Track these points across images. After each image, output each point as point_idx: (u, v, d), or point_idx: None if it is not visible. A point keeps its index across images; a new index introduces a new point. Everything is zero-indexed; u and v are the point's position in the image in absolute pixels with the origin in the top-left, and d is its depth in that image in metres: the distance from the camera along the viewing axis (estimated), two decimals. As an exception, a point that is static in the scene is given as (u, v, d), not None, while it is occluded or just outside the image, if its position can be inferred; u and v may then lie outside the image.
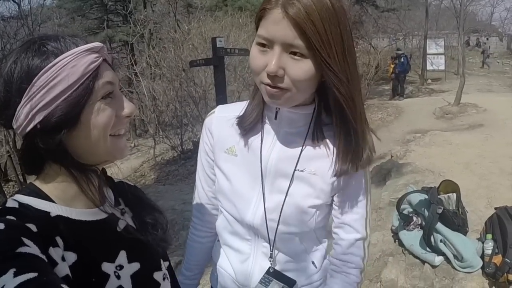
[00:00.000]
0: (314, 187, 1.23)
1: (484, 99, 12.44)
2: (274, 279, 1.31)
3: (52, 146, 0.84)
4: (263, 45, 1.07)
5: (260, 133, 1.27)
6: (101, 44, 0.91)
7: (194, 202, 1.51)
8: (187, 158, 10.79)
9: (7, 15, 18.26)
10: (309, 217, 1.25)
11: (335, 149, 1.21)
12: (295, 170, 1.23)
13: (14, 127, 0.87)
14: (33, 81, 0.82)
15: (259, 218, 1.26)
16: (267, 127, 1.27)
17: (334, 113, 1.15)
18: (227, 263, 1.41)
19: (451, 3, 18.61)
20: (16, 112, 0.84)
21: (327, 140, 1.23)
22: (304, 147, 1.23)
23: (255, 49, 1.09)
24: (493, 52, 30.91)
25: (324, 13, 1.00)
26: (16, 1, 16.84)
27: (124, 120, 0.95)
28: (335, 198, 1.28)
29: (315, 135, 1.23)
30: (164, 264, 1.13)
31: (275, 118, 1.22)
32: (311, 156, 1.23)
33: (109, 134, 0.91)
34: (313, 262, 1.35)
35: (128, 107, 0.94)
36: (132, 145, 14.15)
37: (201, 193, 1.47)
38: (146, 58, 13.58)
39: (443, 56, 20.78)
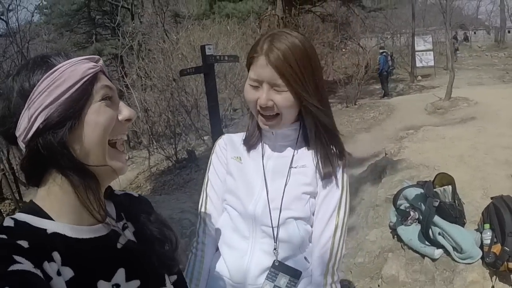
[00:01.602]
0: (306, 176, 1.47)
1: (475, 92, 12.49)
2: (281, 272, 1.41)
3: (54, 143, 0.86)
4: (254, 85, 1.39)
5: (260, 148, 1.55)
6: (98, 57, 0.98)
7: (206, 211, 1.59)
8: (182, 167, 10.74)
9: (-5, 34, 18.21)
10: (305, 202, 1.45)
11: (318, 154, 1.48)
12: (290, 167, 1.48)
13: (17, 134, 0.89)
14: (35, 86, 0.87)
15: (260, 207, 1.44)
16: (265, 143, 1.55)
17: (310, 128, 1.47)
18: (222, 263, 1.49)
19: (436, -1, 18.69)
20: (20, 118, 0.88)
21: (311, 145, 1.49)
22: (295, 151, 1.51)
23: (248, 87, 1.41)
24: (481, 45, 31.13)
25: (298, 55, 1.34)
26: (4, 19, 16.83)
27: (124, 125, 0.97)
28: (318, 189, 1.47)
29: (304, 141, 1.52)
30: (169, 279, 1.11)
31: (273, 134, 1.51)
32: (301, 155, 1.50)
33: (108, 139, 0.93)
34: (305, 258, 1.47)
35: (128, 111, 0.98)
36: (127, 157, 14.10)
37: (216, 201, 1.58)
38: (136, 69, 13.55)
39: (431, 52, 20.87)
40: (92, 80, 0.91)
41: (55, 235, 0.88)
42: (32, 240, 0.82)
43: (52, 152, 0.86)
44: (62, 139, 0.86)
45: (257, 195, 1.47)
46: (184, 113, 11.53)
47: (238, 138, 1.62)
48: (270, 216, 1.42)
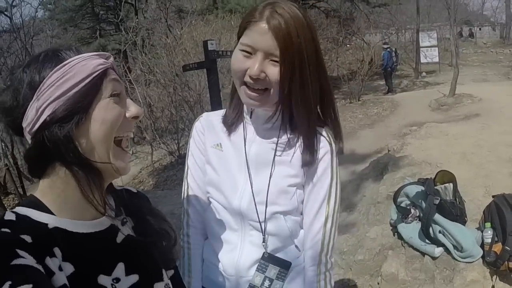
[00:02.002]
0: (292, 167, 1.39)
1: (479, 89, 12.47)
2: (270, 264, 1.41)
3: (60, 136, 0.86)
4: (246, 51, 1.26)
5: (242, 131, 1.45)
6: (109, 54, 0.98)
7: (188, 202, 1.55)
8: (184, 162, 10.76)
9: (-1, 29, 18.28)
10: (291, 195, 1.39)
11: (306, 139, 1.38)
12: (274, 156, 1.40)
13: (24, 125, 0.90)
14: (45, 79, 0.87)
15: (246, 202, 1.40)
16: (247, 125, 1.45)
17: (299, 108, 1.35)
18: (214, 255, 1.48)
19: (442, -5, 18.59)
20: (27, 109, 0.88)
21: (299, 127, 1.39)
22: (279, 138, 1.40)
23: (239, 54, 1.28)
24: (487, 42, 30.97)
25: (300, 29, 1.23)
26: (8, 14, 16.87)
27: (130, 122, 0.98)
28: (306, 177, 1.41)
29: (288, 125, 1.40)
30: (167, 274, 1.12)
31: (250, 116, 1.43)
32: (286, 142, 1.40)
33: (114, 136, 0.93)
34: (296, 246, 1.46)
35: (135, 109, 0.98)
36: (130, 152, 14.11)
37: (197, 191, 1.53)
38: (140, 65, 13.57)
39: (436, 48, 20.83)
40: (102, 76, 0.91)
41: (56, 229, 0.88)
42: (35, 235, 0.82)
43: (57, 145, 0.86)
44: (68, 133, 0.86)
45: (241, 189, 1.41)
46: (187, 108, 11.56)
47: (217, 117, 1.52)
48: (257, 211, 1.39)
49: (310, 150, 1.37)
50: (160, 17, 19.67)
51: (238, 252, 1.43)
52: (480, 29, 34.20)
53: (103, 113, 0.90)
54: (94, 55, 0.93)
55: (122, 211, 1.08)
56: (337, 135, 1.42)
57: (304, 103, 1.32)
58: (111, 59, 0.97)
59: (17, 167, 11.11)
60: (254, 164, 1.42)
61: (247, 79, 1.27)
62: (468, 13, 39.66)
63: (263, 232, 1.40)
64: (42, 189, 0.92)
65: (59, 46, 0.94)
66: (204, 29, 12.84)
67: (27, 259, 0.75)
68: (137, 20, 19.17)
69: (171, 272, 1.18)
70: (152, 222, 1.10)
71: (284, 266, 1.41)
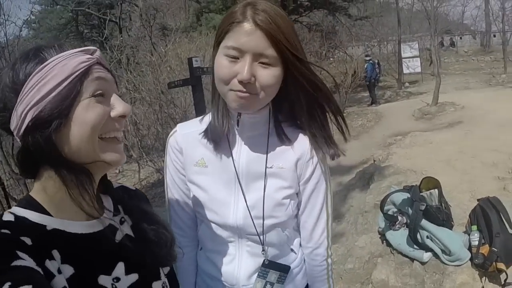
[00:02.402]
0: (285, 179, 1.36)
1: (461, 97, 12.64)
2: (271, 270, 1.41)
3: (41, 142, 0.84)
4: (232, 55, 1.16)
5: (226, 142, 1.36)
6: (95, 48, 0.94)
7: (173, 223, 1.51)
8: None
9: (-17, 49, 18.16)
10: (286, 207, 1.37)
11: (292, 147, 1.35)
12: (266, 167, 1.34)
13: (12, 129, 0.89)
14: (26, 82, 0.85)
15: (241, 218, 1.35)
16: (233, 135, 1.36)
17: (300, 109, 1.31)
18: (213, 267, 1.47)
19: (422, 6, 18.88)
20: (12, 114, 0.87)
21: (288, 136, 1.36)
22: (268, 146, 1.35)
23: (223, 59, 1.18)
24: (468, 50, 31.43)
25: (286, 22, 1.16)
26: (-8, 34, 16.79)
27: (117, 121, 0.94)
28: (301, 186, 1.39)
29: (276, 133, 1.36)
30: (163, 271, 1.12)
31: (238, 125, 1.33)
32: (276, 153, 1.36)
33: (98, 135, 0.89)
34: (292, 250, 1.48)
35: (122, 107, 0.93)
36: (117, 171, 14.01)
37: (180, 211, 1.49)
38: (125, 83, 13.51)
39: (418, 59, 21.05)
40: (83, 75, 0.88)
41: (55, 231, 0.87)
42: (34, 238, 0.81)
43: (41, 150, 0.85)
44: (49, 138, 0.84)
45: (234, 204, 1.36)
46: (173, 126, 11.38)
47: (195, 129, 1.41)
48: (254, 225, 1.35)
49: (304, 158, 1.35)
50: (145, 35, 19.70)
51: (237, 263, 1.43)
52: (461, 38, 34.72)
53: (83, 114, 0.86)
54: (78, 51, 0.89)
55: (120, 210, 1.07)
56: (329, 136, 1.38)
57: (297, 105, 1.29)
58: (97, 53, 0.93)
59: (3, 187, 10.94)
60: (245, 177, 1.36)
61: (235, 86, 1.17)
62: (448, 23, 40.27)
63: (262, 243, 1.39)
64: (37, 190, 0.91)
65: (41, 45, 0.91)
66: (188, 46, 12.82)
67: (27, 261, 0.75)
68: (121, 38, 19.22)
69: (167, 269, 1.19)
70: (149, 221, 1.09)
71: (284, 270, 1.42)
